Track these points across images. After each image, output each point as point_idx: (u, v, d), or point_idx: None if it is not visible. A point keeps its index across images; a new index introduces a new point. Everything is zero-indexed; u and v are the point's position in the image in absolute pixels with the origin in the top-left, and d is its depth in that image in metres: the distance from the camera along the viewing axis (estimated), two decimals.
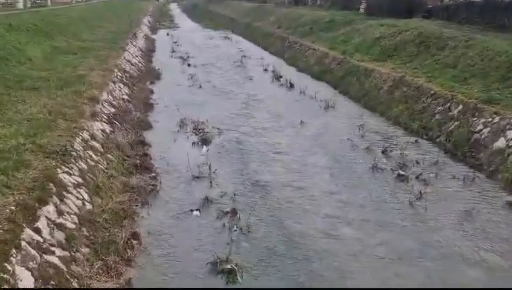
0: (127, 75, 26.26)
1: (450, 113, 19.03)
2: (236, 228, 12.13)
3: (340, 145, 18.54)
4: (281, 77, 31.22)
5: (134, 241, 10.91)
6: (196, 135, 19.14)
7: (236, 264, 10.43)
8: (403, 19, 34.05)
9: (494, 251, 11.52)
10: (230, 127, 20.36)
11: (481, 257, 11.22)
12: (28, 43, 26.00)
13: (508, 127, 16.24)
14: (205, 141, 18.43)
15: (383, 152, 17.62)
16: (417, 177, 15.42)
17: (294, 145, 18.36)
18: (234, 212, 12.81)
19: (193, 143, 18.33)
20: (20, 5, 44.34)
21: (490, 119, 17.13)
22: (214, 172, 15.15)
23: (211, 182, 14.74)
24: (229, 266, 10.35)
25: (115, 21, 53.56)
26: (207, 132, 19.26)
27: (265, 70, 34.58)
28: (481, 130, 17.12)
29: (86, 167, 12.47)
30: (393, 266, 10.92)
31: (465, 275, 10.62)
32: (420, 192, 14.14)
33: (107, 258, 9.72)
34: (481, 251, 11.47)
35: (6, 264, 7.31)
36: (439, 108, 19.80)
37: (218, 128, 19.85)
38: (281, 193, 14.25)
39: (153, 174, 14.79)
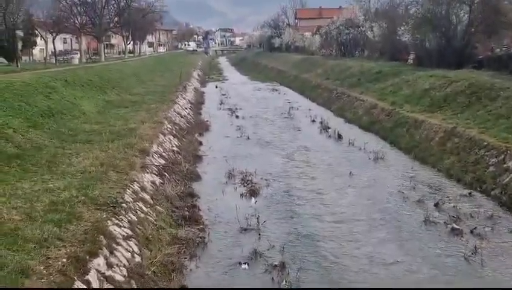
0: (177, 127, 26.76)
1: (505, 165, 18.45)
2: (285, 282, 11.89)
3: (391, 197, 18.17)
4: (329, 128, 31.19)
5: None
6: (244, 186, 19.14)
7: None
8: (453, 70, 33.66)
9: None
10: (278, 178, 20.30)
11: None
12: (82, 97, 26.99)
13: None
14: (253, 193, 18.39)
15: (435, 205, 17.15)
16: (472, 232, 14.89)
17: (344, 198, 18.11)
18: (283, 265, 12.60)
19: (241, 194, 18.32)
20: (76, 60, 46.25)
21: None
22: (262, 224, 15.03)
23: (259, 234, 14.62)
24: None
25: (165, 75, 55.13)
26: (255, 183, 19.26)
27: (313, 121, 34.65)
28: None
29: (135, 219, 12.60)
30: None
31: None
32: (475, 247, 13.61)
33: None
34: None
35: None
36: (493, 160, 19.25)
37: (266, 180, 19.83)
38: (331, 247, 13.97)
39: (201, 226, 14.80)
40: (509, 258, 13.31)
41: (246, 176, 20.06)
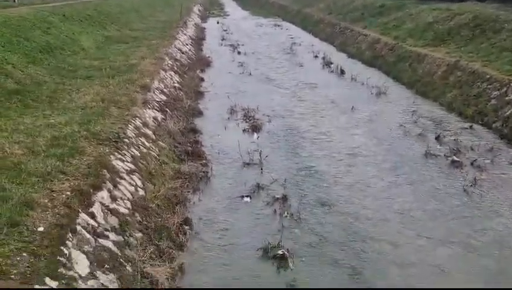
0: (178, 63, 26.55)
1: (507, 97, 18.40)
2: (287, 214, 12.10)
3: (393, 131, 18.23)
4: (331, 63, 30.95)
5: (186, 227, 11.06)
6: (246, 122, 19.17)
7: (288, 250, 10.43)
8: (457, 2, 33.01)
9: None
10: (281, 113, 20.32)
11: None
12: (81, 32, 26.63)
13: None
14: (256, 128, 18.43)
15: (436, 138, 17.25)
16: (472, 164, 15.04)
17: (345, 133, 18.17)
18: (285, 198, 12.80)
19: (244, 130, 18.38)
20: None
21: None
22: (264, 159, 15.16)
23: (261, 169, 14.76)
24: (280, 252, 10.35)
25: (165, 10, 54.19)
26: (257, 119, 19.28)
27: (316, 56, 34.34)
28: None
29: (138, 154, 12.70)
30: (448, 251, 10.75)
31: None
32: (475, 178, 13.78)
33: (159, 243, 9.88)
34: None
35: (62, 248, 7.52)
36: (495, 93, 19.17)
37: (268, 116, 19.84)
38: (333, 179, 14.14)
39: (204, 161, 14.92)
40: (508, 190, 13.49)
41: (248, 112, 20.05)
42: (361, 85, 25.33)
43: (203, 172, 14.14)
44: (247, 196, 13.11)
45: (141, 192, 11.22)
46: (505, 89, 18.82)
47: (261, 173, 14.57)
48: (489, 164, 15.07)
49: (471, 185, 13.59)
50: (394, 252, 10.68)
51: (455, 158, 15.37)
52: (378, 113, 20.47)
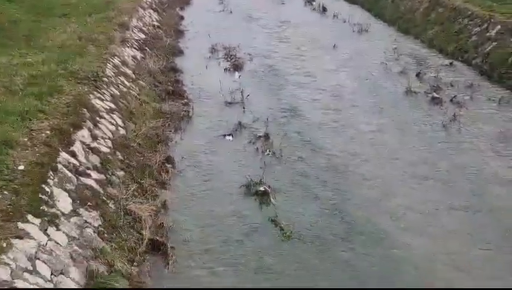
0: (156, 0, 25.92)
1: (488, 33, 18.38)
2: (269, 151, 12.18)
3: (374, 69, 18.21)
4: (313, 0, 30.42)
5: (169, 165, 11.12)
6: (228, 61, 18.98)
7: (270, 186, 10.56)
8: None
9: None
10: (262, 52, 20.10)
11: None
12: None
13: None
14: (237, 67, 18.29)
15: (417, 75, 17.31)
16: (451, 100, 15.17)
17: (327, 70, 18.10)
18: (267, 136, 12.86)
19: (225, 69, 18.21)
20: None
21: None
22: (246, 98, 15.11)
23: (243, 108, 14.74)
24: (262, 188, 10.49)
25: None
26: (239, 58, 19.09)
27: None
28: None
29: (118, 93, 12.58)
30: (429, 183, 11.01)
31: (497, 193, 10.62)
32: (454, 114, 13.94)
33: (142, 181, 9.93)
34: None
35: (44, 186, 7.53)
36: (476, 29, 19.13)
37: (250, 54, 19.63)
38: (314, 117, 14.20)
39: (185, 100, 14.85)
40: (486, 124, 13.71)
41: (229, 50, 19.82)
42: (343, 23, 25.07)
43: (185, 111, 14.09)
44: (229, 135, 13.14)
45: (122, 131, 11.18)
46: (485, 25, 18.76)
47: (243, 111, 14.56)
48: (469, 100, 15.22)
49: (450, 121, 13.76)
50: (373, 186, 10.90)
51: (435, 95, 15.49)
52: (360, 51, 20.35)
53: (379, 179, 11.16)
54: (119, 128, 11.20)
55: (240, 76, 17.49)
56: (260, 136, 12.90)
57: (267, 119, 13.77)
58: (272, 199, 10.32)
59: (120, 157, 10.23)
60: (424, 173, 11.41)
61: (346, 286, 8.08)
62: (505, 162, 11.79)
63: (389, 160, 11.96)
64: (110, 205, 8.62)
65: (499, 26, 18.06)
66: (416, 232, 9.40)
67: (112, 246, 7.68)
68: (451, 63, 18.42)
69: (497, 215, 9.90)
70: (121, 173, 9.74)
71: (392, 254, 8.79)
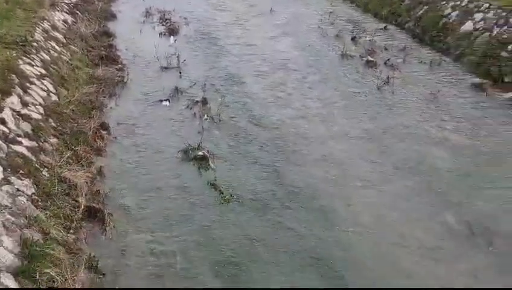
0: None
1: None
2: (207, 116, 12.13)
3: (310, 33, 18.31)
4: None
5: (104, 132, 10.87)
6: (163, 25, 18.64)
7: (208, 150, 10.54)
8: None
9: (458, 130, 11.90)
10: (198, 16, 19.84)
11: (445, 136, 11.60)
12: None
13: (476, 10, 16.19)
14: (172, 31, 17.99)
15: (352, 39, 17.55)
16: (385, 63, 15.52)
17: (264, 34, 18.06)
18: (204, 101, 12.77)
19: (160, 33, 17.89)
20: None
21: (459, 2, 17.02)
22: (182, 62, 14.92)
23: (180, 73, 14.57)
24: (200, 153, 10.45)
25: None
26: (174, 22, 18.76)
27: None
28: (449, 13, 17.06)
29: (48, 58, 12.14)
30: (363, 143, 11.28)
31: (429, 152, 10.97)
32: (388, 77, 14.26)
33: (76, 148, 9.69)
34: (445, 131, 11.83)
35: None
36: None
37: (185, 19, 19.32)
38: (252, 82, 14.20)
39: (119, 66, 14.54)
40: (416, 86, 14.16)
41: (164, 14, 19.47)
42: None
43: (119, 76, 13.79)
44: (166, 100, 12.98)
45: (54, 97, 10.82)
46: None
47: (180, 76, 14.40)
48: (402, 63, 15.62)
49: (384, 83, 14.07)
50: (310, 147, 11.05)
51: (370, 58, 15.79)
52: (297, 15, 20.40)
53: (315, 140, 11.33)
54: (51, 94, 10.83)
55: (175, 40, 17.22)
56: (198, 101, 12.80)
57: (205, 84, 13.66)
58: (210, 164, 10.29)
59: (53, 124, 9.92)
60: (358, 133, 11.67)
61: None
62: (437, 123, 12.18)
63: (324, 122, 12.14)
64: (43, 172, 8.37)
65: None
66: (350, 190, 9.65)
67: (46, 214, 7.48)
68: (385, 27, 18.77)
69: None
70: (54, 140, 9.45)
71: (327, 212, 8.99)
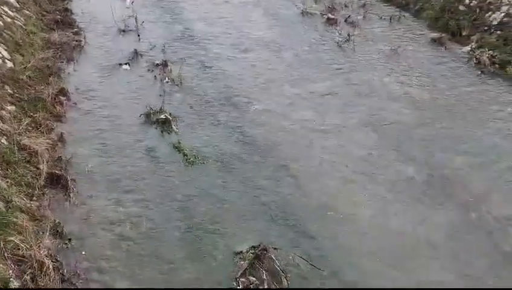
0: None
1: None
2: (168, 79, 12.01)
3: None
4: None
5: (63, 98, 10.66)
6: None
7: (170, 113, 10.49)
8: None
9: (418, 85, 12.10)
10: None
11: (405, 91, 11.78)
12: None
13: None
14: None
15: None
16: (345, 20, 15.53)
17: None
18: (165, 64, 12.61)
19: None
20: None
21: None
22: (141, 25, 14.63)
23: (138, 35, 14.30)
24: (163, 116, 10.38)
25: None
26: None
27: None
28: None
29: (1, 24, 11.74)
30: (326, 100, 11.42)
31: (391, 108, 11.14)
32: (348, 34, 14.30)
33: (35, 115, 9.51)
34: (405, 86, 12.01)
35: None
36: None
37: None
38: (212, 43, 14.04)
39: (76, 30, 14.14)
40: (376, 42, 14.27)
41: None
42: None
43: (76, 41, 13.44)
44: (125, 64, 12.76)
45: (9, 64, 10.55)
46: None
47: (139, 39, 14.14)
48: (362, 20, 15.63)
49: (345, 41, 14.10)
50: (271, 107, 11.11)
51: (330, 16, 15.76)
52: None
53: (276, 99, 11.40)
54: (6, 61, 10.55)
55: (132, 2, 16.78)
56: (158, 64, 12.64)
57: (164, 46, 13.46)
58: (173, 127, 10.26)
59: (9, 91, 9.70)
60: (322, 90, 11.77)
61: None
62: (397, 78, 12.34)
63: (287, 81, 12.16)
64: (2, 140, 8.23)
65: None
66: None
67: (7, 182, 7.39)
68: None
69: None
70: (11, 108, 9.26)
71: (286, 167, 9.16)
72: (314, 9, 16.31)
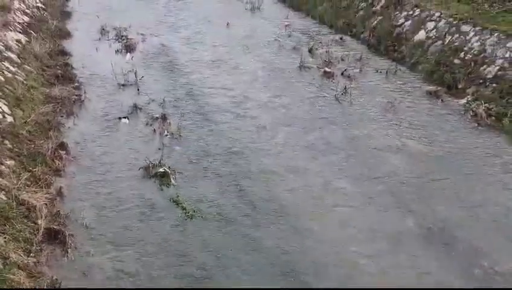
0: None
1: (374, 8, 19.19)
2: (167, 133, 12.09)
3: (268, 46, 18.42)
4: None
5: (62, 152, 10.69)
6: (119, 42, 18.45)
7: (169, 167, 10.50)
8: None
9: (415, 137, 12.16)
10: (155, 32, 19.70)
11: (404, 144, 11.84)
12: None
13: (428, 19, 16.63)
14: (129, 48, 17.83)
15: (309, 51, 17.70)
16: (342, 74, 15.73)
17: (222, 48, 18.09)
18: (164, 117, 12.72)
19: (116, 51, 17.71)
20: None
21: (411, 12, 17.46)
22: (140, 79, 14.84)
23: (138, 89, 14.47)
24: (161, 170, 10.40)
25: None
26: (130, 39, 18.59)
27: None
28: (403, 23, 17.44)
29: (2, 79, 11.89)
30: (326, 154, 11.49)
31: (390, 162, 11.18)
32: (345, 87, 14.47)
33: (34, 170, 9.52)
34: (403, 138, 12.07)
35: None
36: (363, 4, 19.91)
37: (142, 35, 19.18)
38: (211, 97, 14.20)
39: (76, 84, 14.37)
40: (373, 95, 14.41)
41: (120, 31, 19.24)
42: (236, 1, 25.02)
43: (76, 95, 13.63)
44: (124, 117, 12.87)
45: (9, 119, 10.62)
46: (371, 0, 19.54)
47: (138, 93, 14.31)
48: (358, 73, 15.85)
49: (342, 94, 14.27)
50: (270, 159, 11.18)
51: (327, 69, 15.98)
52: (254, 28, 20.46)
53: (276, 153, 11.44)
54: (6, 115, 10.62)
55: (132, 57, 17.08)
56: (157, 118, 12.76)
57: (163, 100, 13.62)
58: (172, 180, 10.27)
59: (9, 145, 9.73)
60: (318, 143, 11.88)
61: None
62: (395, 131, 12.42)
63: (286, 133, 12.28)
64: (1, 195, 8.20)
65: (383, 1, 18.90)
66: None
67: (5, 238, 7.33)
68: (341, 38, 19.03)
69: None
70: (10, 162, 9.26)
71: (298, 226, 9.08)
72: (311, 63, 16.56)
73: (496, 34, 14.36)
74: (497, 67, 13.73)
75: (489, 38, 14.43)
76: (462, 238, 8.83)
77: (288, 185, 10.28)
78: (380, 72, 15.89)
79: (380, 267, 8.19)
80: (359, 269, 8.15)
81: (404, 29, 17.20)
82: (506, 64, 13.57)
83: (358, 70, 16.02)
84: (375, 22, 18.56)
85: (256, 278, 7.88)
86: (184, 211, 9.31)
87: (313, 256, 8.38)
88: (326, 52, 17.39)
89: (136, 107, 13.29)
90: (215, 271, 7.98)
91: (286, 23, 20.59)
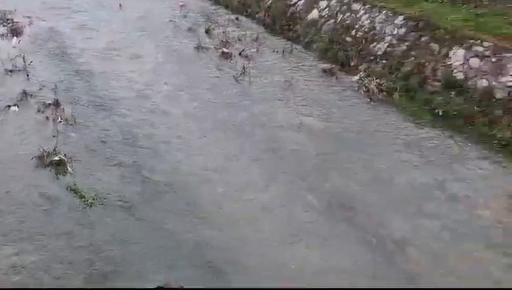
0: None
1: None
2: (61, 119, 11.65)
3: (163, 27, 18.06)
4: None
5: None
6: (4, 26, 17.37)
7: (65, 154, 10.13)
8: None
9: (312, 114, 12.48)
10: (42, 15, 18.64)
11: (301, 121, 12.11)
12: None
13: None
14: (15, 32, 16.84)
15: (206, 31, 17.55)
16: (240, 54, 15.77)
17: (114, 30, 17.51)
18: (57, 104, 12.21)
19: (1, 35, 16.69)
20: None
21: None
22: (29, 64, 14.10)
23: (27, 75, 13.78)
24: (57, 158, 10.02)
25: None
26: (16, 22, 17.54)
27: None
28: (296, 2, 17.69)
29: None
30: (224, 134, 11.54)
31: (289, 139, 11.41)
32: (243, 67, 14.56)
33: None
34: (301, 115, 12.35)
35: None
36: None
37: (28, 17, 18.13)
38: (105, 81, 13.81)
39: None
40: (271, 75, 14.59)
41: (3, 14, 18.11)
42: None
43: None
44: (14, 105, 12.22)
45: None
46: None
47: (28, 79, 13.62)
48: (255, 53, 15.93)
49: (241, 74, 14.35)
50: (171, 147, 11.06)
51: (225, 50, 15.95)
52: (148, 10, 19.95)
53: (176, 139, 11.35)
54: None
55: (19, 41, 16.18)
56: (49, 104, 12.23)
57: (55, 86, 13.07)
58: (68, 168, 9.92)
59: None
60: (219, 125, 11.91)
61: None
62: (292, 109, 12.68)
63: (186, 117, 12.19)
64: None
65: None
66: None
67: None
68: (237, 18, 18.98)
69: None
70: None
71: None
72: (208, 44, 16.45)
73: (384, 11, 14.93)
74: (386, 44, 14.32)
75: (378, 15, 14.99)
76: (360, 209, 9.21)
77: (180, 166, 10.32)
78: (277, 51, 16.06)
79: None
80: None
81: (298, 9, 17.47)
82: (394, 41, 14.18)
83: (255, 50, 16.10)
84: (270, 1, 18.70)
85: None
86: (83, 199, 9.03)
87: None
88: (223, 32, 17.33)
89: (26, 94, 12.65)
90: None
91: (181, 3, 20.23)
